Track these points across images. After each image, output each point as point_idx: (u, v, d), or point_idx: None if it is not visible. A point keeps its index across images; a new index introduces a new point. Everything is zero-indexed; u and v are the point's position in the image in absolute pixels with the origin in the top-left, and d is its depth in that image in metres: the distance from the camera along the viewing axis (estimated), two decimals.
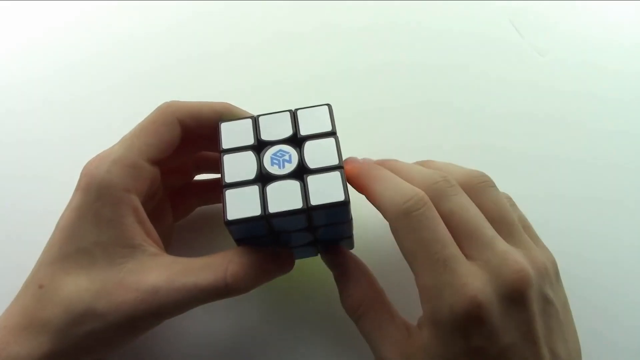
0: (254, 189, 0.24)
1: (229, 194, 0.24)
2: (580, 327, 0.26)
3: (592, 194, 0.35)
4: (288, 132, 0.26)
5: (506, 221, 0.26)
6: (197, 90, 0.38)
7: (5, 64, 0.40)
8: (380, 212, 0.25)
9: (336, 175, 0.24)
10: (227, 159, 0.25)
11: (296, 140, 0.26)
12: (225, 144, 0.26)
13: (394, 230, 0.25)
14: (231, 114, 0.28)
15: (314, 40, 0.41)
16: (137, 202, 0.26)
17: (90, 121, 0.38)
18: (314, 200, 0.24)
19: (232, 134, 0.26)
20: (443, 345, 0.23)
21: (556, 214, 0.34)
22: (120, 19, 0.42)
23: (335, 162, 0.25)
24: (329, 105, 0.26)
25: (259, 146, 0.26)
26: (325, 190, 0.24)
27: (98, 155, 0.27)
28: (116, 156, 0.26)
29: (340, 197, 0.24)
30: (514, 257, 0.24)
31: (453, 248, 0.24)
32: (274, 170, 0.25)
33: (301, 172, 0.25)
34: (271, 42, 0.41)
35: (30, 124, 0.38)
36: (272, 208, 0.24)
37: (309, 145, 0.25)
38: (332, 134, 0.25)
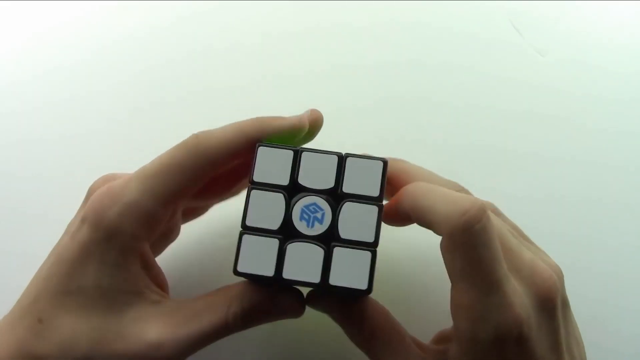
0: (274, 243, 0.22)
1: (246, 240, 0.22)
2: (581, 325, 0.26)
3: (592, 195, 0.35)
4: (329, 183, 0.23)
5: (518, 230, 0.26)
6: (198, 90, 0.38)
7: (5, 64, 0.40)
8: (432, 229, 0.23)
9: (366, 256, 0.22)
10: (255, 195, 0.23)
11: (335, 195, 0.23)
12: (258, 175, 0.23)
13: (448, 247, 0.22)
14: (266, 133, 0.25)
15: (315, 39, 0.41)
16: (146, 248, 0.25)
17: (90, 121, 0.38)
18: (334, 280, 0.22)
19: (268, 163, 0.23)
20: None
21: (556, 215, 0.34)
22: (121, 18, 0.42)
23: (371, 239, 0.22)
24: (384, 161, 0.23)
25: (293, 188, 0.23)
26: (350, 270, 0.21)
27: (110, 190, 0.24)
28: (130, 199, 0.24)
29: (363, 286, 0.21)
30: (541, 265, 0.23)
31: (505, 265, 0.22)
32: (301, 227, 0.22)
33: (330, 238, 0.22)
34: (272, 41, 0.41)
35: (31, 124, 0.38)
36: (287, 273, 0.22)
37: (347, 208, 0.22)
38: (377, 200, 0.22)
